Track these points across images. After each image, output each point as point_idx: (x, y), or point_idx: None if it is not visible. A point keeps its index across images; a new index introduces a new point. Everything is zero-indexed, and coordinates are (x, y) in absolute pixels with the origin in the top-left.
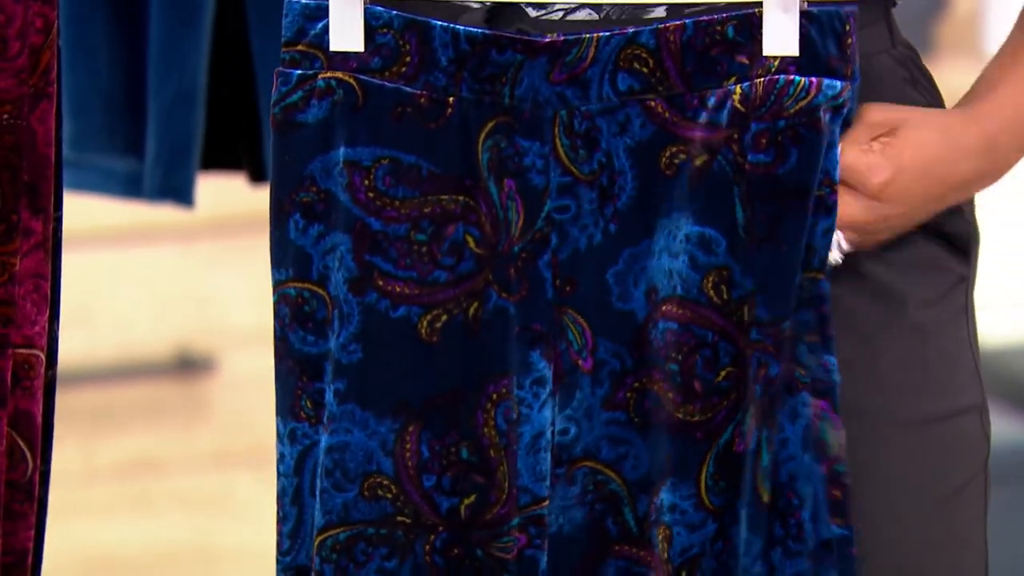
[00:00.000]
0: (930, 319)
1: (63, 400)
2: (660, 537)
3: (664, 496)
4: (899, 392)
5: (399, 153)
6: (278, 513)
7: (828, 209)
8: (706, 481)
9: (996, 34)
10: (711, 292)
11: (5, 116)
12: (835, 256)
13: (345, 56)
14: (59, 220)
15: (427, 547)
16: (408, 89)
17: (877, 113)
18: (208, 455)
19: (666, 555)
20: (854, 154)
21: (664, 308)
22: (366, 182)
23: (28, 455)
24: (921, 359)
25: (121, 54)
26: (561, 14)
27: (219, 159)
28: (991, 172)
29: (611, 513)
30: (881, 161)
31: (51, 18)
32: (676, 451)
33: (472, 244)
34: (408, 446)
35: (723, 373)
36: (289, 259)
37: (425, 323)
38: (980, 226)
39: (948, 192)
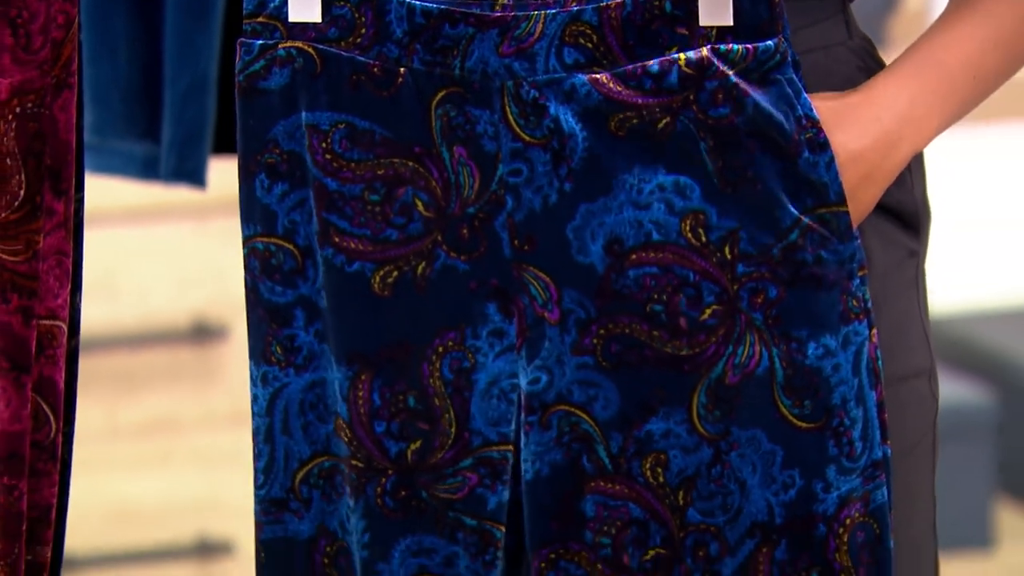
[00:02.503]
0: (881, 290)
1: (89, 365)
2: (648, 466)
3: (655, 426)
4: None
5: (354, 118)
6: (254, 450)
7: (822, 146)
8: (698, 410)
9: None
10: (689, 234)
11: (29, 105)
12: None
13: (304, 27)
14: (80, 201)
15: (378, 489)
16: (362, 59)
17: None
18: (222, 415)
19: (661, 479)
20: None
21: (636, 256)
22: (324, 144)
23: (51, 418)
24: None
25: (139, 48)
26: None
27: (229, 144)
28: (897, 143)
29: (585, 452)
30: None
31: (72, 14)
32: (665, 383)
33: (420, 207)
34: (360, 393)
35: (708, 311)
36: (256, 215)
37: (378, 278)
38: (931, 204)
39: (851, 168)
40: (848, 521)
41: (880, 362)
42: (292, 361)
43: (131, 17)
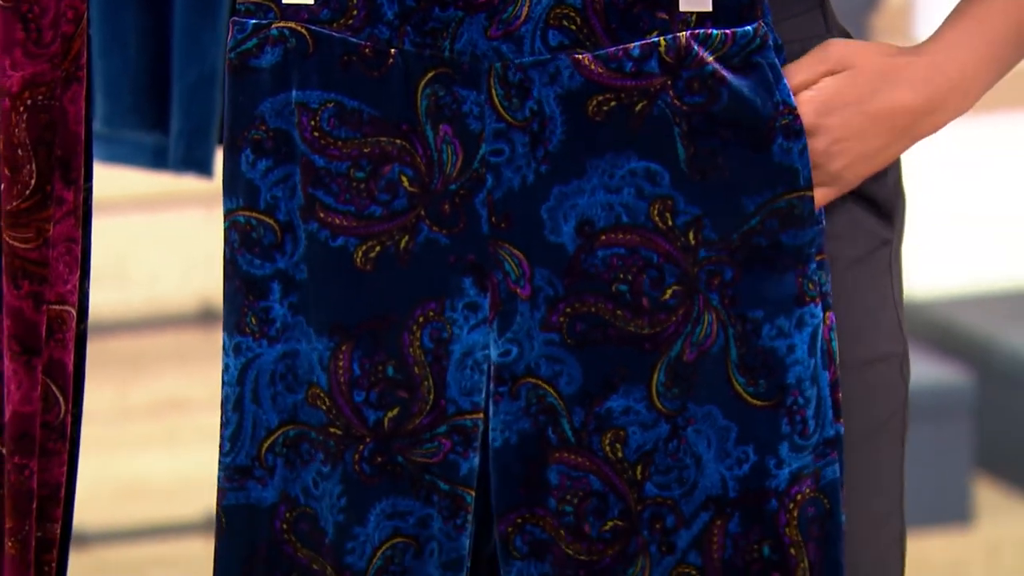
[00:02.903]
0: (854, 277)
1: (100, 347)
2: (607, 441)
3: (615, 403)
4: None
5: (343, 97)
6: (222, 418)
7: (796, 133)
8: (657, 387)
9: (927, 23)
10: (656, 219)
11: (40, 97)
12: None
13: (297, 8)
14: (89, 190)
15: (356, 456)
16: (354, 40)
17: (836, 49)
18: None
19: (620, 453)
20: (798, 94)
21: (605, 237)
22: (312, 122)
23: (60, 399)
24: (845, 312)
25: (149, 43)
26: None
27: None
28: (940, 107)
29: (551, 424)
30: (811, 95)
31: (81, 9)
32: (626, 361)
33: (406, 183)
34: (341, 364)
35: (669, 292)
36: (240, 190)
37: (360, 253)
38: (906, 193)
39: (891, 127)
40: (799, 496)
41: (834, 343)
42: (266, 332)
43: (140, 12)
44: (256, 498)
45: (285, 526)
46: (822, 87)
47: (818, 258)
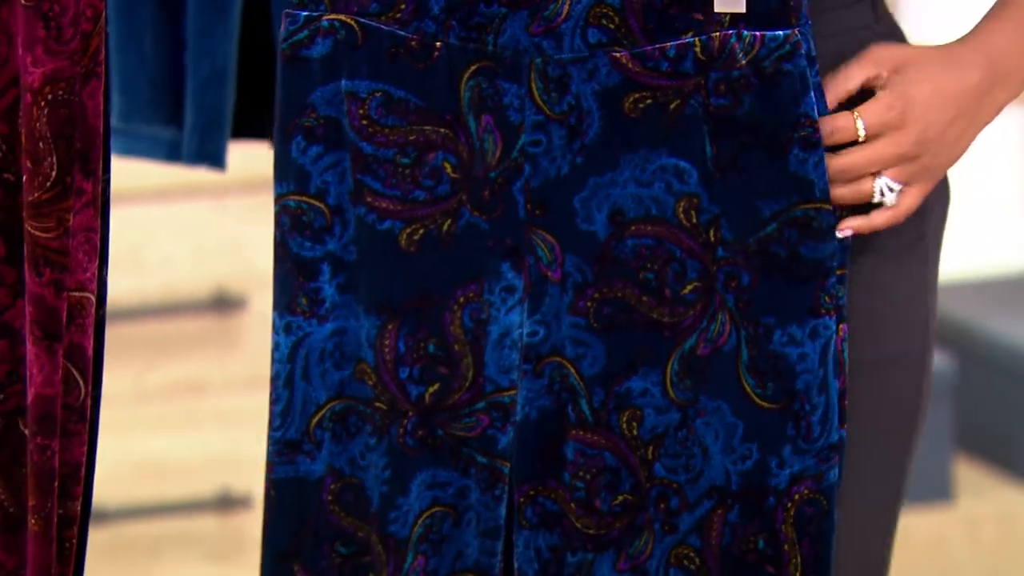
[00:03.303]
0: (889, 270)
1: (118, 333)
2: (625, 419)
3: (635, 383)
4: (856, 335)
5: (391, 87)
6: (272, 395)
7: (813, 145)
8: (671, 376)
9: (912, 20)
10: (681, 215)
11: (60, 93)
12: (890, 198)
13: (347, 1)
14: (107, 182)
15: (400, 430)
16: (401, 33)
17: (883, 51)
18: (241, 378)
19: (635, 432)
20: (870, 105)
21: (635, 227)
22: (361, 111)
23: (81, 382)
24: (879, 304)
25: (164, 40)
26: None
27: (247, 128)
28: (998, 83)
29: (571, 402)
30: (890, 96)
31: (99, 7)
32: (647, 345)
33: (449, 169)
34: (387, 342)
35: (690, 286)
36: (291, 175)
37: (405, 235)
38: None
39: (966, 108)
40: (797, 497)
41: (846, 354)
42: (316, 312)
43: (155, 10)
44: (305, 471)
45: (331, 497)
46: (895, 84)
47: (839, 272)
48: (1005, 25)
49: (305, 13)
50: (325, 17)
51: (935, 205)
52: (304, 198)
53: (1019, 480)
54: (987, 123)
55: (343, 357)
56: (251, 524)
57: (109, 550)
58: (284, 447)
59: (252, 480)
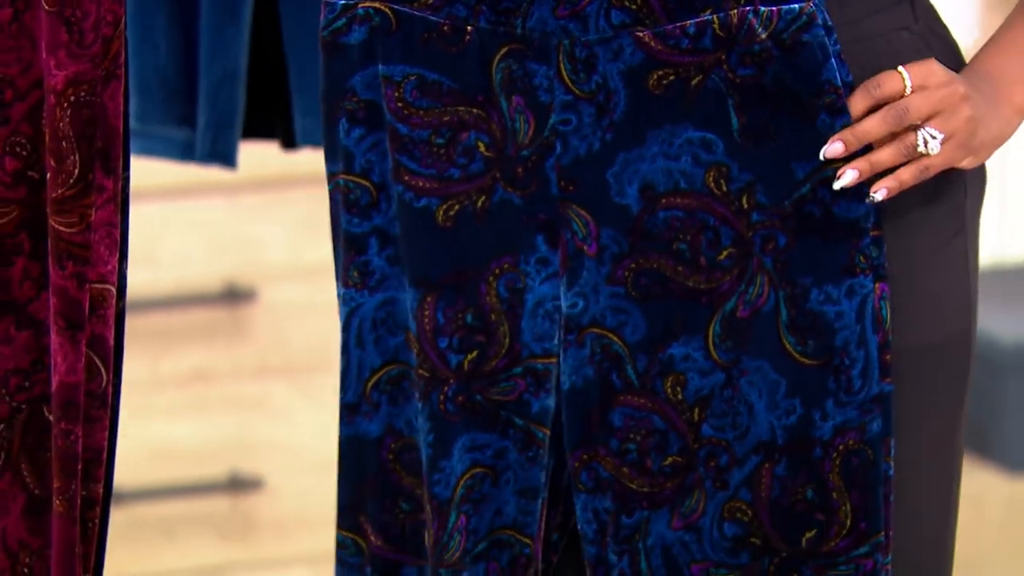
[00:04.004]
0: (935, 255)
1: (134, 323)
2: (670, 384)
3: (676, 350)
4: (910, 322)
5: (424, 71)
6: (341, 362)
7: (840, 110)
8: (713, 339)
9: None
10: (711, 184)
11: (82, 94)
12: (933, 145)
13: None
14: (127, 179)
15: (441, 396)
16: (433, 18)
17: (937, 72)
18: (250, 366)
19: (680, 396)
20: (915, 64)
21: (666, 200)
22: (397, 93)
23: (102, 370)
24: (925, 286)
25: (177, 43)
26: None
27: (257, 129)
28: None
29: (615, 369)
30: (933, 63)
31: (119, 13)
32: (685, 313)
33: (482, 148)
34: (427, 313)
35: (725, 252)
36: (339, 155)
37: (441, 212)
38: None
39: (998, 89)
40: (842, 447)
41: (885, 311)
42: (366, 284)
43: (170, 16)
44: (364, 430)
45: (391, 456)
46: (940, 70)
47: (873, 233)
48: (994, 59)
49: (342, 2)
50: (360, 5)
51: (973, 188)
52: (352, 177)
53: (992, 463)
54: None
55: (395, 324)
56: (260, 505)
57: (125, 530)
58: (346, 409)
59: (261, 463)
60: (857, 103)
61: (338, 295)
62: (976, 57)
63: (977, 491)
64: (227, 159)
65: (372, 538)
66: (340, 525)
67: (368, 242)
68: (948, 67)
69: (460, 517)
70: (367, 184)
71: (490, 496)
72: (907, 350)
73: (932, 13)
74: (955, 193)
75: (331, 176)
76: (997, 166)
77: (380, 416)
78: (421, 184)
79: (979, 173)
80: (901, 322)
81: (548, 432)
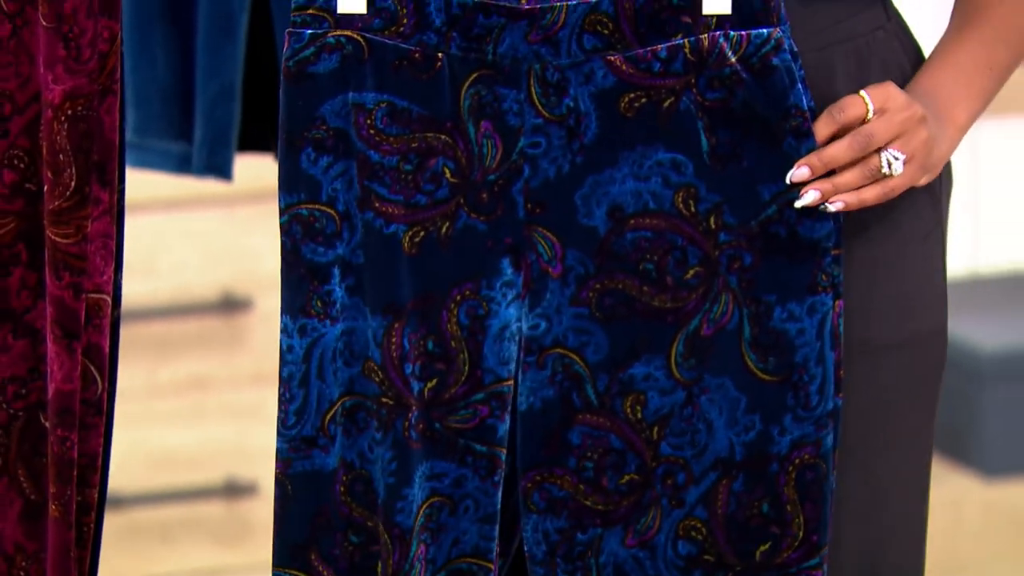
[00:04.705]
0: (912, 254)
1: (132, 332)
2: (629, 403)
3: (637, 369)
4: (877, 318)
5: (395, 98)
6: (285, 395)
7: (805, 134)
8: (676, 358)
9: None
10: (680, 205)
11: (79, 108)
12: (897, 167)
13: (350, 17)
14: (122, 192)
15: (405, 424)
16: (404, 46)
17: (895, 95)
18: (246, 374)
19: (640, 415)
20: (874, 87)
21: (634, 221)
22: (368, 121)
23: (98, 378)
24: (902, 285)
25: (175, 59)
26: None
27: (253, 142)
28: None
29: (575, 389)
30: (904, 95)
31: (115, 29)
32: (649, 332)
33: (448, 174)
34: (393, 340)
35: (691, 272)
36: (301, 185)
37: (407, 238)
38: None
39: (940, 109)
40: (798, 461)
41: (841, 328)
42: (328, 313)
43: (168, 31)
44: (320, 464)
45: (343, 488)
46: (899, 93)
47: (834, 252)
48: (931, 83)
49: (310, 31)
50: (331, 34)
51: (945, 191)
52: (316, 206)
53: (970, 469)
54: (964, 130)
55: (352, 355)
56: (256, 510)
57: (123, 534)
58: (301, 443)
59: (256, 469)
60: (821, 128)
61: (288, 328)
62: (917, 76)
63: (955, 496)
64: (223, 172)
65: (324, 573)
66: (282, 563)
67: (331, 271)
68: (915, 63)
69: (420, 546)
70: (332, 213)
71: (447, 525)
72: (889, 343)
73: (897, 12)
74: (933, 186)
75: (288, 207)
76: (971, 177)
77: (335, 449)
78: (390, 210)
79: (948, 170)
80: (884, 315)
81: (506, 453)
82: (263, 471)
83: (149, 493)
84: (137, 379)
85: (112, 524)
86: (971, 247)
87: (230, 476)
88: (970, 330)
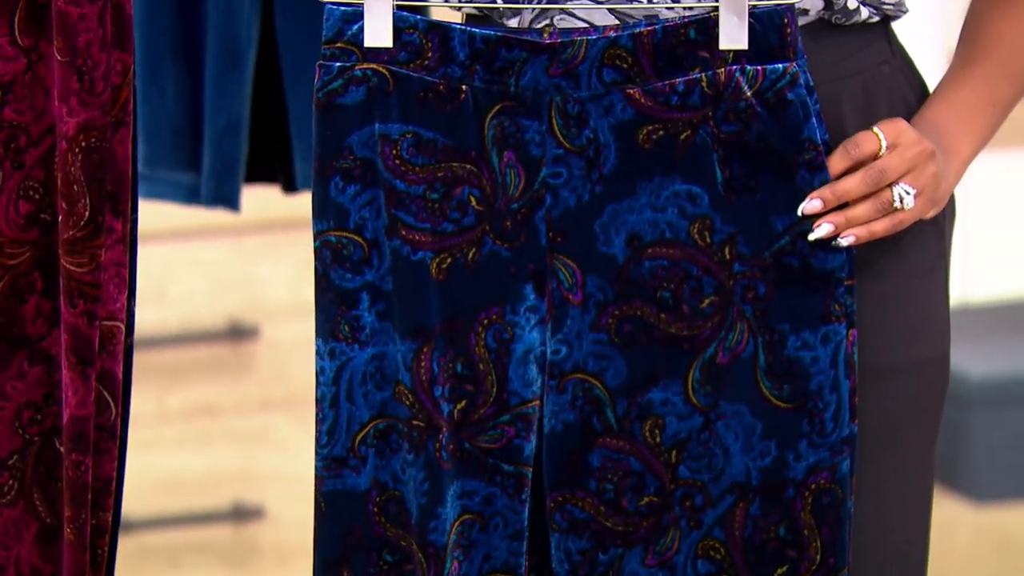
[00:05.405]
0: (919, 285)
1: (142, 359)
2: (647, 427)
3: (655, 394)
4: (884, 346)
5: (420, 129)
6: (318, 415)
7: (819, 167)
8: (692, 384)
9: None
10: (696, 236)
11: (93, 140)
12: (908, 201)
13: (376, 51)
14: (135, 221)
15: (436, 445)
16: (429, 78)
17: (906, 131)
18: (253, 401)
19: (658, 439)
20: (886, 122)
21: (651, 250)
22: (394, 151)
23: (111, 404)
24: (908, 315)
25: (184, 93)
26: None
27: (260, 173)
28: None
29: (595, 413)
30: (913, 132)
31: (128, 63)
32: (666, 358)
33: (474, 202)
34: (423, 364)
35: (707, 301)
36: (331, 212)
37: (435, 264)
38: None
39: (943, 141)
40: (814, 486)
41: (855, 356)
42: (357, 338)
43: (178, 65)
44: (352, 484)
45: (376, 508)
46: (909, 129)
47: (847, 283)
48: (934, 121)
49: (339, 64)
50: (358, 67)
51: (949, 223)
52: (344, 233)
53: (959, 494)
54: (967, 162)
55: (383, 379)
56: (263, 534)
57: (133, 558)
58: (332, 462)
59: (264, 493)
60: (836, 163)
61: (320, 351)
62: (922, 111)
63: (946, 521)
64: (231, 202)
65: None
66: None
67: (359, 297)
68: (920, 96)
69: (453, 563)
70: (360, 240)
71: (479, 542)
72: (896, 370)
73: (901, 47)
74: (938, 219)
75: (319, 233)
76: (961, 208)
77: (367, 470)
78: (417, 238)
79: (951, 203)
80: (892, 344)
81: (532, 471)
82: (270, 495)
83: (158, 517)
84: (146, 405)
85: (121, 548)
86: (960, 276)
87: (237, 500)
88: (959, 358)
